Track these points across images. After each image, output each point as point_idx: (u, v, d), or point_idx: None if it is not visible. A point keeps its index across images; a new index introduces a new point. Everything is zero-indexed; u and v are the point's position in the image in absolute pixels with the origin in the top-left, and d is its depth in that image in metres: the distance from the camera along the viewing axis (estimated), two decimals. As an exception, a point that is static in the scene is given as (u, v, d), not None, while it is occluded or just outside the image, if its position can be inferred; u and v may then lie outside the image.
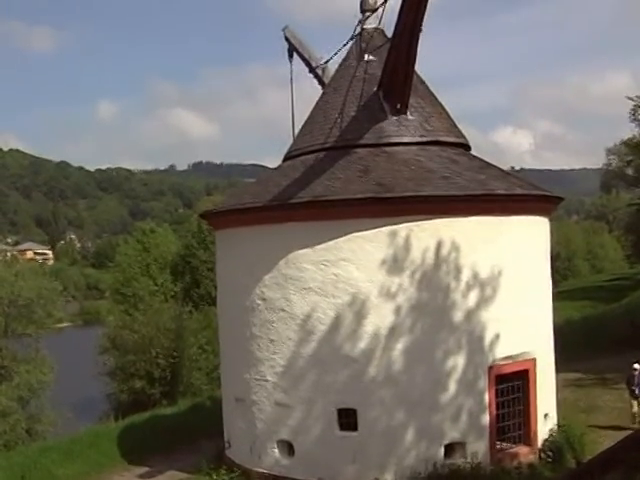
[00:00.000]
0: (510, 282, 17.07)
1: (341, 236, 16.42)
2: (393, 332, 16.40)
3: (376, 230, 16.27)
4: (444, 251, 16.52)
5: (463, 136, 19.56)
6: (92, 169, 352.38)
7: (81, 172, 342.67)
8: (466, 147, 19.50)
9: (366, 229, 16.29)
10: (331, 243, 16.50)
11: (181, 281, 78.63)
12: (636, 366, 22.25)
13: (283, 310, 17.20)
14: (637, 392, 22.11)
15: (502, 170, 19.09)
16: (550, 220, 19.36)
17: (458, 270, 16.59)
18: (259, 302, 17.62)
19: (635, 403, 22.20)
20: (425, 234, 16.38)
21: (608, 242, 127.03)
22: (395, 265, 16.35)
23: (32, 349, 49.21)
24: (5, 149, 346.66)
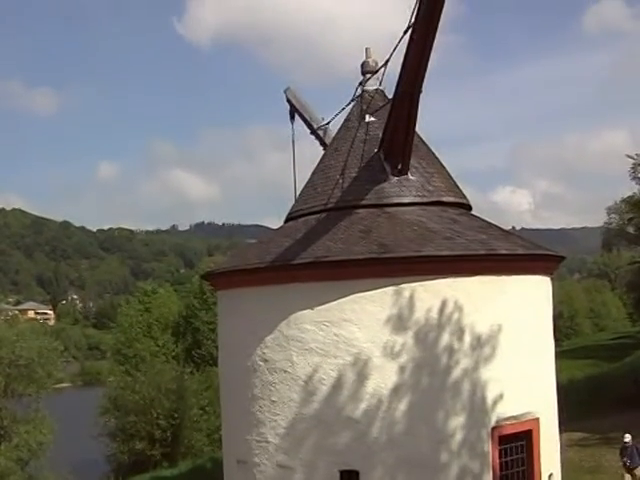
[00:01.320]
0: (513, 341, 17.01)
1: (343, 297, 16.39)
2: (395, 393, 16.30)
3: (378, 290, 16.25)
4: (447, 311, 16.50)
5: (464, 196, 19.67)
6: (94, 229, 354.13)
7: (83, 232, 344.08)
8: (467, 207, 19.59)
9: (368, 290, 16.27)
10: (333, 304, 16.48)
11: (182, 342, 78.59)
12: (627, 437, 22.04)
13: (285, 371, 17.11)
14: (629, 464, 21.87)
15: (503, 230, 19.14)
16: (552, 279, 19.36)
17: (461, 330, 16.55)
18: (261, 363, 17.54)
19: (628, 476, 21.96)
20: (427, 294, 16.37)
21: (610, 300, 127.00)
22: (397, 325, 16.31)
23: (32, 409, 49.02)
24: (8, 208, 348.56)
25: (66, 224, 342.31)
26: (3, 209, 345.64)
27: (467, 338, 16.61)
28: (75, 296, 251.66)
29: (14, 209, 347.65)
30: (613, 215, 74.64)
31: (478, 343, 16.72)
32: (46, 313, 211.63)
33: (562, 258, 20.06)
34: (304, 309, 16.86)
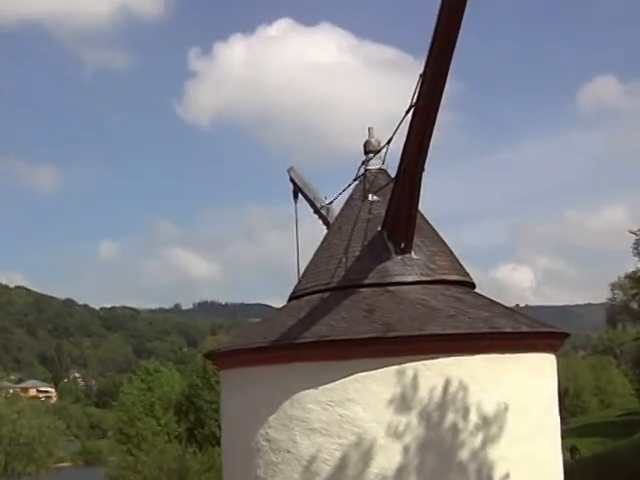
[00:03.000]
0: (518, 420, 16.84)
1: (347, 376, 16.29)
2: (400, 473, 16.10)
3: (382, 370, 16.17)
4: (451, 390, 16.40)
5: (467, 274, 19.67)
6: (97, 307, 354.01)
7: (86, 310, 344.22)
8: (471, 285, 19.58)
9: (372, 369, 16.18)
10: (337, 383, 16.37)
11: (185, 421, 78.13)
12: None
13: (288, 451, 16.94)
14: None
15: (507, 307, 19.12)
16: (557, 356, 19.25)
17: (466, 409, 16.42)
18: (264, 443, 17.37)
19: None
20: (432, 373, 16.28)
21: (616, 377, 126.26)
22: (402, 405, 16.19)
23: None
24: (11, 286, 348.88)
25: (69, 302, 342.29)
26: (7, 286, 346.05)
27: (472, 417, 16.47)
28: (77, 374, 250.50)
29: (18, 287, 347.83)
30: (617, 291, 74.90)
31: (484, 422, 16.58)
32: (48, 391, 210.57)
33: (567, 335, 19.98)
34: (308, 388, 16.74)
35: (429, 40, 14.75)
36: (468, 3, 13.87)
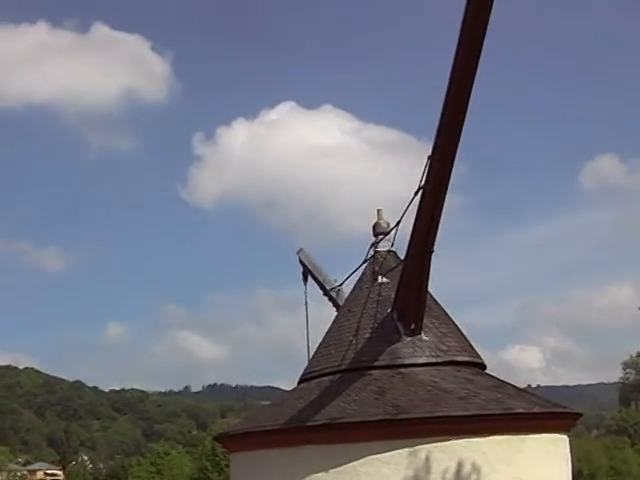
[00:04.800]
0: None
1: (357, 459, 16.19)
2: None
3: (393, 452, 16.07)
4: (464, 472, 16.26)
5: (478, 355, 19.64)
6: (106, 389, 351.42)
7: (95, 392, 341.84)
8: (481, 366, 19.53)
9: (383, 451, 16.09)
10: (348, 466, 16.26)
11: (195, 504, 77.10)
12: None
13: (299, 535, 16.78)
14: None
15: (518, 388, 19.05)
16: (570, 436, 19.10)
17: (478, 492, 16.27)
18: (275, 527, 17.23)
19: None
20: (443, 455, 16.18)
21: (631, 457, 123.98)
22: (413, 488, 16.07)
23: None
24: (20, 367, 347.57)
25: (78, 384, 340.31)
26: (16, 368, 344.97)
27: (485, 500, 16.31)
28: (85, 457, 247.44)
29: (27, 368, 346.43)
30: (629, 370, 74.21)
31: (497, 505, 16.41)
32: (55, 474, 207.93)
33: (579, 415, 19.87)
34: (318, 471, 16.62)
35: (435, 123, 15.01)
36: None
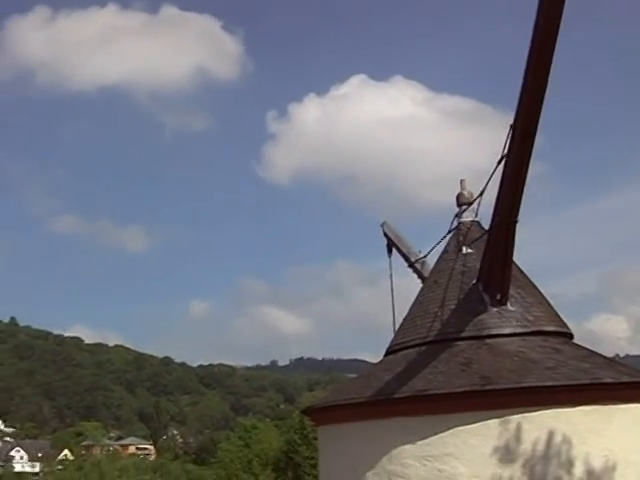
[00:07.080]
0: (621, 474, 16.41)
1: (445, 430, 16.14)
2: (503, 529, 15.85)
3: (480, 423, 15.98)
4: (553, 443, 16.08)
5: (565, 325, 19.36)
6: (194, 365, 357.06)
7: (183, 368, 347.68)
8: (569, 336, 19.25)
9: (470, 423, 16.01)
10: (434, 438, 16.23)
11: (283, 477, 77.91)
12: None
13: (387, 506, 16.83)
14: None
15: (606, 358, 18.74)
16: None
17: (570, 463, 16.06)
18: (363, 498, 17.29)
19: None
20: (532, 426, 16.02)
21: None
22: (503, 458, 15.94)
23: None
24: (110, 345, 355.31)
25: (167, 360, 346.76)
26: (106, 345, 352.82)
27: (576, 471, 16.09)
28: (175, 431, 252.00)
29: (117, 345, 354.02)
30: None
31: (589, 476, 16.20)
32: (146, 448, 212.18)
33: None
34: (405, 444, 16.63)
35: (517, 90, 14.74)
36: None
